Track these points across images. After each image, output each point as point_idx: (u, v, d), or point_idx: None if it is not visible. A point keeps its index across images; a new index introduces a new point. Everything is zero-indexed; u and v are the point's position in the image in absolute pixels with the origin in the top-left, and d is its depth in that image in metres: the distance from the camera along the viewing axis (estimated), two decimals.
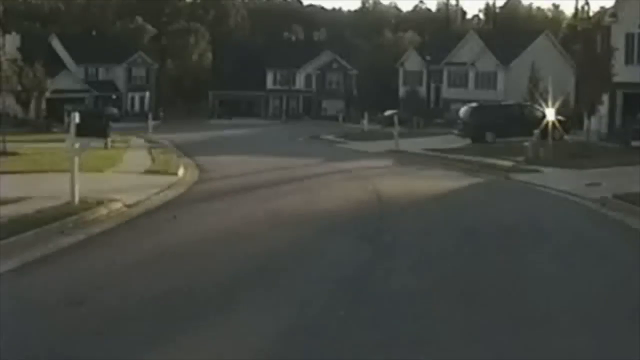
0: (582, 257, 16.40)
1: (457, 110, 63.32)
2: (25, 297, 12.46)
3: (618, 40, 50.59)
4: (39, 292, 12.77)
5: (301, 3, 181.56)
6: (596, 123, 51.18)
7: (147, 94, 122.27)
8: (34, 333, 10.46)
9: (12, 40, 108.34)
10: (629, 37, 51.60)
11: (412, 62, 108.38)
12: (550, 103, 44.26)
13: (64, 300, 11.76)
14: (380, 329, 10.80)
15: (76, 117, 22.18)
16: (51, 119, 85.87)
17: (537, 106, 51.82)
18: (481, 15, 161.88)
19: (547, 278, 14.29)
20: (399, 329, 10.80)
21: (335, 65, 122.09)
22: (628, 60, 50.53)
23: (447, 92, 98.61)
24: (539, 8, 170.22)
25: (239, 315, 11.34)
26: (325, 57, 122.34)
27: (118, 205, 22.44)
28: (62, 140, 25.88)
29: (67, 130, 23.98)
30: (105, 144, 43.86)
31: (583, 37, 56.69)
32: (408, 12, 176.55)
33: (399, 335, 10.58)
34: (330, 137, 71.35)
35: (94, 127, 27.14)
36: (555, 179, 31.56)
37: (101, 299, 12.11)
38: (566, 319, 11.60)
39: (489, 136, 53.75)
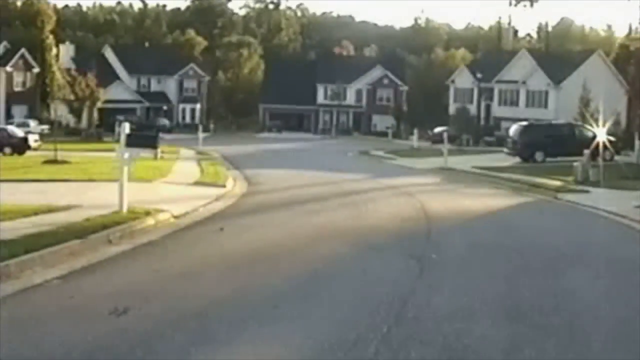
0: (628, 279, 16.16)
1: (508, 129, 63.13)
2: (70, 304, 12.55)
3: None
4: (83, 300, 12.85)
5: (353, 19, 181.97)
6: None
7: (198, 105, 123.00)
8: (76, 341, 10.49)
9: (66, 50, 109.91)
10: None
11: (463, 79, 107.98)
12: (601, 123, 43.99)
13: (108, 309, 11.79)
14: (422, 346, 10.72)
15: (126, 128, 22.34)
16: (102, 128, 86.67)
17: (587, 126, 51.54)
18: (533, 34, 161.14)
19: (594, 300, 14.11)
20: (442, 347, 10.72)
21: (386, 81, 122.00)
22: None
23: (497, 110, 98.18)
24: (591, 28, 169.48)
25: (280, 330, 11.30)
26: (376, 73, 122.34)
27: (166, 215, 22.57)
28: (113, 150, 26.08)
29: (117, 140, 24.16)
30: (155, 154, 44.05)
31: (636, 57, 56.22)
32: (460, 30, 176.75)
33: (442, 354, 10.51)
34: (379, 152, 71.43)
35: (144, 138, 27.19)
36: (604, 200, 31.28)
37: (145, 309, 12.15)
38: (612, 343, 11.46)
39: (539, 155, 53.57)
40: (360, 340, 10.75)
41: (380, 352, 10.35)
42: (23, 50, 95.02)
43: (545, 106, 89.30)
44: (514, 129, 57.78)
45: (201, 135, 77.38)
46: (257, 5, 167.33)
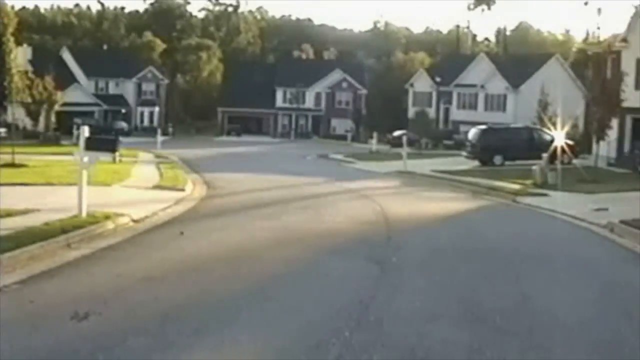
0: (587, 281, 16.28)
1: (466, 132, 63.37)
2: (31, 309, 12.43)
3: (628, 65, 50.60)
4: (44, 305, 12.74)
5: (312, 22, 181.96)
6: (605, 148, 51.04)
7: (157, 109, 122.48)
8: (37, 346, 10.43)
9: (23, 52, 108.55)
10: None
11: (422, 83, 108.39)
12: (559, 127, 44.27)
13: (69, 313, 11.72)
14: (385, 349, 10.74)
15: (85, 131, 22.21)
16: (60, 131, 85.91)
17: (546, 130, 51.83)
18: (492, 38, 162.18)
19: (554, 302, 14.17)
20: (404, 350, 10.74)
21: (345, 85, 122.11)
22: (638, 85, 50.44)
23: (456, 113, 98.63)
24: (549, 32, 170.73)
25: (241, 334, 11.27)
26: (335, 76, 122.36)
27: (125, 219, 22.46)
28: (71, 153, 25.93)
29: (76, 143, 24.03)
30: (114, 158, 43.82)
31: (593, 61, 56.58)
32: (419, 34, 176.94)
33: (404, 356, 10.53)
34: (338, 156, 71.42)
35: (104, 141, 27.10)
36: (563, 203, 31.49)
37: (105, 313, 12.08)
38: (571, 344, 11.53)
39: (498, 159, 53.88)
40: (322, 344, 10.75)
41: (342, 356, 10.36)
42: None
43: (504, 110, 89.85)
44: (472, 133, 57.98)
45: (160, 138, 77.03)
46: (216, 8, 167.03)
